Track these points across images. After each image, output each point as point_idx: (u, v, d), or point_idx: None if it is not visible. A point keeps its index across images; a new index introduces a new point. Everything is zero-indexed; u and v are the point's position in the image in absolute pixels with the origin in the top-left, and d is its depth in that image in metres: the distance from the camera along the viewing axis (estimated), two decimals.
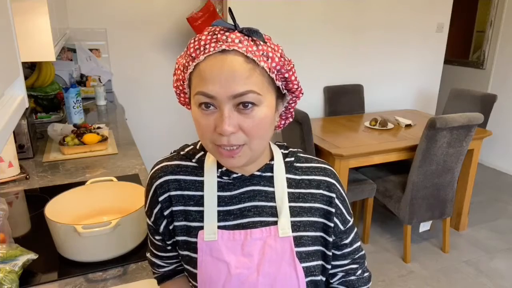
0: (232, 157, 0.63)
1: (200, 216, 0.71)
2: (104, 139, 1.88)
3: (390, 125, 2.84)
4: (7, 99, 0.62)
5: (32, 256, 0.98)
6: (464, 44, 4.45)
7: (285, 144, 0.79)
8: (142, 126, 3.26)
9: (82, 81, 2.96)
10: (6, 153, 1.52)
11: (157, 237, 0.78)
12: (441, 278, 2.43)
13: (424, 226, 2.78)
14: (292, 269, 0.69)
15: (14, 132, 1.68)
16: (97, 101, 2.77)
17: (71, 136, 1.85)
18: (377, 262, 2.56)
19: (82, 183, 1.28)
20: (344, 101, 3.29)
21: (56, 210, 1.06)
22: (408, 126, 2.88)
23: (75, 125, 2.03)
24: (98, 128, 2.09)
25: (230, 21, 0.65)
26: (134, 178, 1.55)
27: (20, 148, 1.73)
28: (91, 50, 2.98)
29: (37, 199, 1.42)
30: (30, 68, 2.44)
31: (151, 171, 0.76)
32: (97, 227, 0.97)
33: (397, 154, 2.49)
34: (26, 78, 2.33)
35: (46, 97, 2.41)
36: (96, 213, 1.19)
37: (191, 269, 0.72)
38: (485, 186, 3.69)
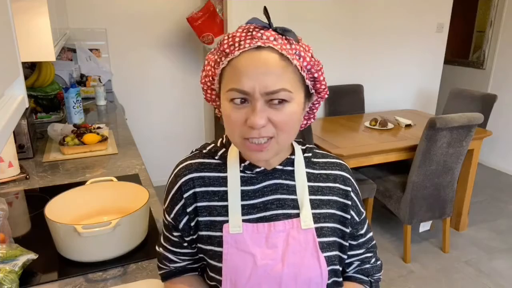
0: (261, 151, 0.65)
1: (224, 211, 0.73)
2: (104, 139, 1.88)
3: (390, 125, 2.84)
4: (7, 99, 0.62)
5: (32, 256, 0.98)
6: (464, 44, 4.45)
7: (302, 140, 0.82)
8: (142, 126, 3.26)
9: (82, 81, 2.96)
10: (6, 153, 1.52)
11: (175, 234, 0.78)
12: (441, 278, 2.43)
13: (424, 226, 2.78)
14: (315, 259, 0.72)
15: (14, 132, 1.68)
16: (97, 101, 2.77)
17: (71, 136, 1.85)
18: None
19: (82, 183, 1.28)
20: (344, 101, 3.28)
21: (56, 210, 1.06)
22: (408, 126, 2.88)
23: (75, 125, 2.03)
24: (98, 128, 2.09)
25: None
26: (134, 178, 1.55)
27: (20, 148, 1.74)
28: (91, 50, 2.98)
29: (37, 199, 1.42)
30: (30, 68, 2.44)
31: (175, 169, 0.78)
32: (97, 227, 0.97)
33: (397, 154, 2.49)
34: (26, 78, 2.33)
35: (46, 97, 2.41)
36: (96, 213, 1.19)
37: (215, 263, 0.73)
38: (485, 186, 3.69)
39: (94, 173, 1.63)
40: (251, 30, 0.63)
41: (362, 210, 0.82)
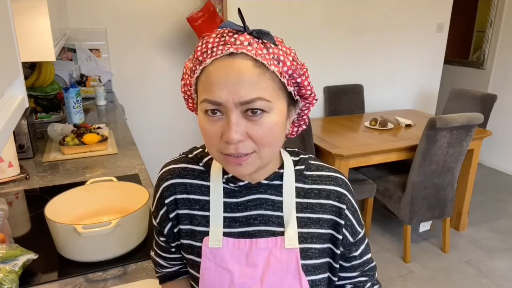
0: (239, 165, 0.60)
1: (205, 221, 0.70)
2: (104, 139, 1.88)
3: (390, 125, 2.84)
4: (7, 99, 0.62)
5: (32, 256, 0.98)
6: (464, 44, 4.45)
7: (296, 149, 0.76)
8: (142, 126, 3.26)
9: (82, 81, 2.96)
10: (6, 153, 1.52)
11: (161, 239, 0.78)
12: (441, 278, 2.43)
13: (424, 226, 2.78)
14: (297, 282, 0.67)
15: (14, 132, 1.68)
16: (97, 101, 2.77)
17: (71, 136, 1.85)
18: (377, 262, 2.55)
19: (82, 183, 1.28)
20: (344, 101, 3.29)
21: (56, 210, 1.06)
22: (408, 126, 2.88)
23: (75, 125, 2.03)
24: (98, 128, 2.09)
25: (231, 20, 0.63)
26: (134, 178, 1.55)
27: (20, 148, 1.73)
28: (91, 50, 2.98)
29: (37, 199, 1.41)
30: (30, 68, 2.44)
31: (159, 172, 0.75)
32: (97, 227, 0.97)
33: (397, 154, 2.49)
34: (26, 78, 2.33)
35: (46, 97, 2.41)
36: (96, 213, 1.19)
37: (195, 273, 0.72)
38: (485, 186, 3.69)
39: (94, 173, 1.63)
40: (224, 35, 0.58)
41: (359, 229, 0.74)
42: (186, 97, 0.68)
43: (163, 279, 0.85)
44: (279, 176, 0.70)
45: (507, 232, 2.95)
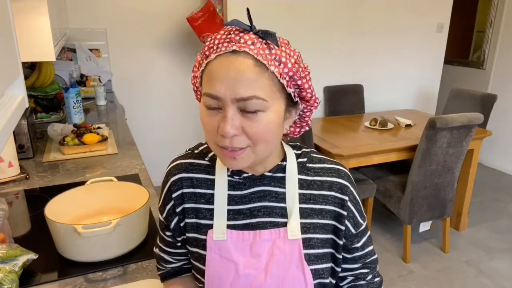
0: (234, 158, 0.63)
1: (210, 214, 0.72)
2: (104, 139, 1.88)
3: (390, 125, 2.84)
4: (7, 99, 0.62)
5: (32, 256, 0.98)
6: (464, 44, 4.45)
7: (298, 143, 0.78)
8: (142, 126, 3.26)
9: (82, 81, 2.96)
10: (6, 153, 1.52)
11: (167, 233, 0.79)
12: (441, 278, 2.43)
13: (424, 226, 2.78)
14: (300, 272, 0.69)
15: (14, 132, 1.68)
16: (97, 101, 2.77)
17: (71, 136, 1.85)
18: None
19: (82, 183, 1.28)
20: (344, 101, 3.29)
21: (56, 210, 1.06)
22: (408, 126, 2.88)
23: (75, 125, 2.03)
24: (98, 128, 2.09)
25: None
26: (134, 178, 1.55)
27: (20, 148, 1.73)
28: (91, 50, 2.98)
29: (37, 199, 1.42)
30: (30, 68, 2.44)
31: (167, 167, 0.77)
32: (97, 227, 0.97)
33: (397, 154, 2.49)
34: (26, 78, 2.33)
35: (46, 97, 2.41)
36: (96, 213, 1.19)
37: (200, 265, 0.73)
38: (485, 186, 3.69)
39: (94, 173, 1.63)
40: (231, 32, 0.61)
41: (361, 221, 0.76)
42: (195, 89, 0.71)
43: (165, 276, 0.85)
44: (282, 168, 0.72)
45: (507, 232, 2.95)
